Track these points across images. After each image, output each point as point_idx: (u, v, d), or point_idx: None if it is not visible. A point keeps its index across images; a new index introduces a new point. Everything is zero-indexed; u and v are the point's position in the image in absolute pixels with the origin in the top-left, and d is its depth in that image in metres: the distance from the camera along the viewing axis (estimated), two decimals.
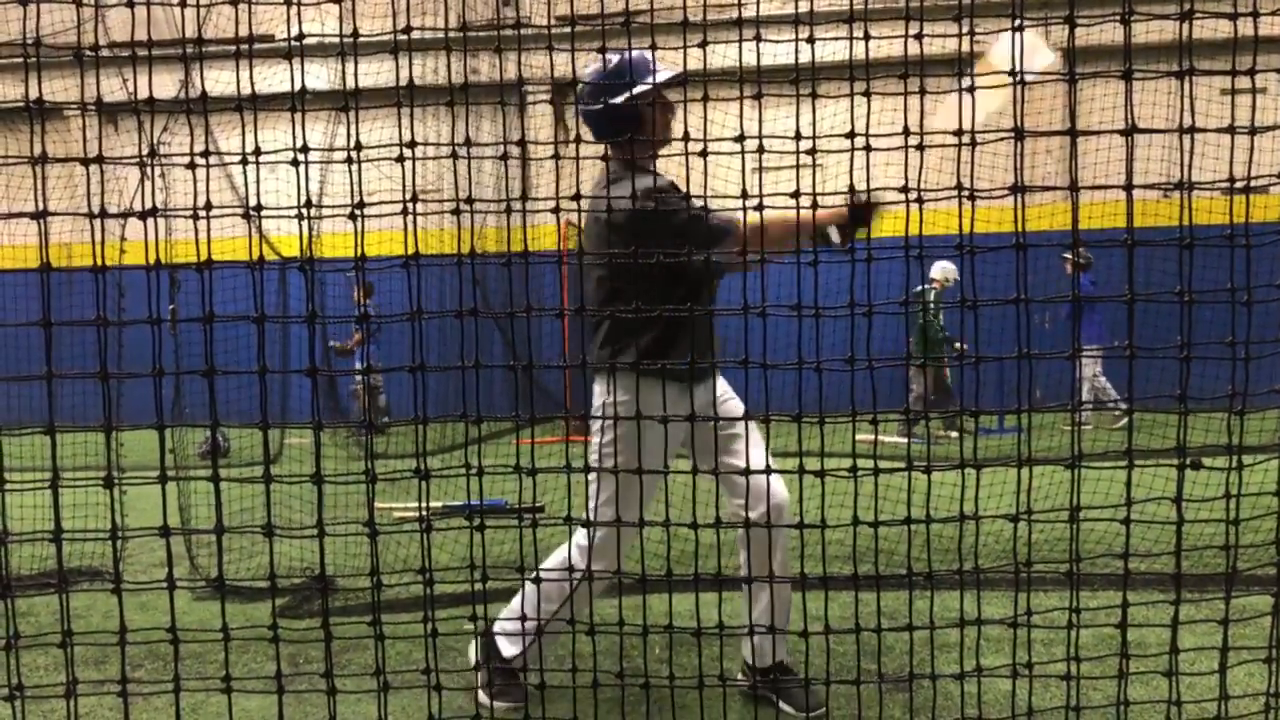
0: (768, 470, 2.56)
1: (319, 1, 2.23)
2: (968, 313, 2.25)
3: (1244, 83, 2.21)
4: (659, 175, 3.17)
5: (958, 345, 10.67)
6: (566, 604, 3.05)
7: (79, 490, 2.29)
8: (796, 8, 2.18)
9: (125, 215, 2.13)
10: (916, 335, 10.84)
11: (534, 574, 2.58)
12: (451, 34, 2.31)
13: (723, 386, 3.35)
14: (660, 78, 3.07)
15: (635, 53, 3.09)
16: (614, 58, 3.12)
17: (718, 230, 3.03)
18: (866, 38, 2.20)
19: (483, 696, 3.15)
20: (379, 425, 11.50)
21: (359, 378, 12.09)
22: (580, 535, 3.12)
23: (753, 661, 3.28)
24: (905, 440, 10.02)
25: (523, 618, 3.06)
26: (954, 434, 10.66)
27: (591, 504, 2.99)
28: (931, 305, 10.62)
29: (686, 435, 3.15)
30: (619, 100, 3.07)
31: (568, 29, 2.37)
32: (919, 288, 10.78)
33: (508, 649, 3.21)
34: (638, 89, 3.05)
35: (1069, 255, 11.39)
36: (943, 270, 11.07)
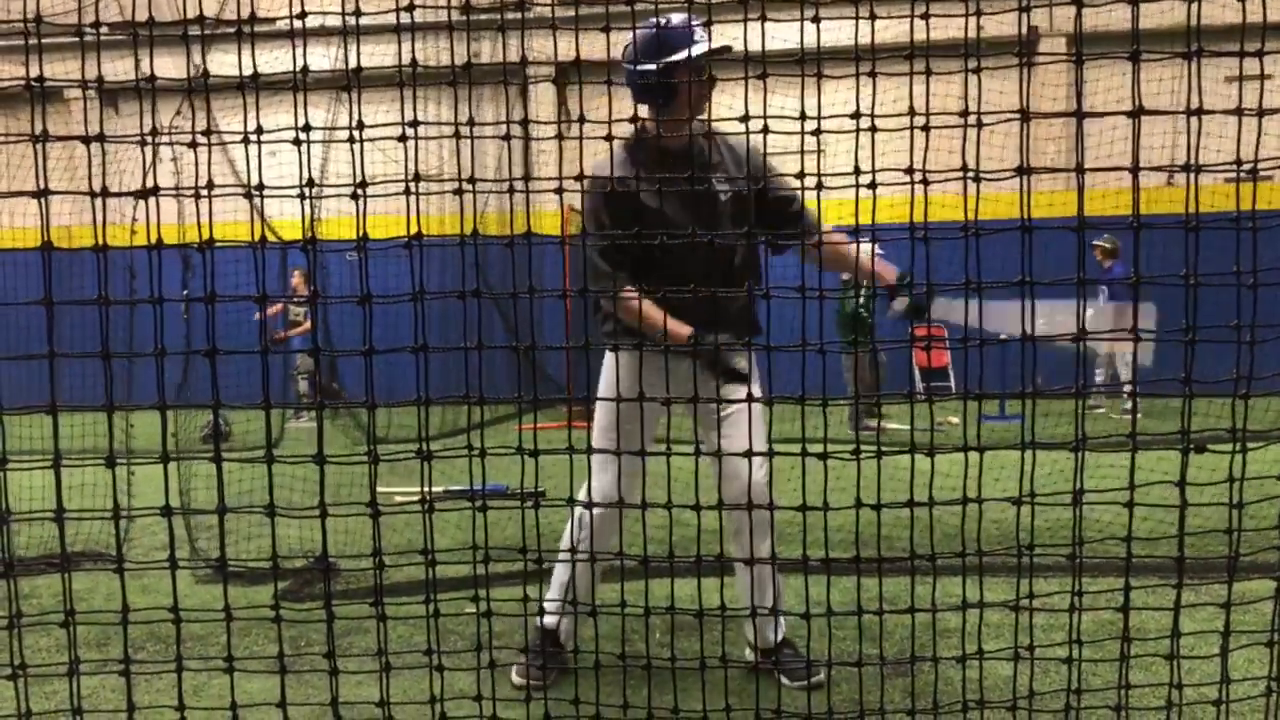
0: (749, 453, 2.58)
1: None
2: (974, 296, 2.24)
3: (1251, 68, 2.20)
4: (633, 157, 3.16)
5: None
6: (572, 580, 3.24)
7: (84, 471, 2.29)
8: None
9: (126, 195, 2.12)
10: (844, 323, 10.44)
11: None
12: (454, 13, 2.29)
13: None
14: (696, 50, 3.00)
15: (678, 19, 3.04)
16: (660, 21, 3.04)
17: (592, 262, 3.13)
18: (873, 17, 2.18)
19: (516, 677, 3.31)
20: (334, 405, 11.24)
21: (300, 362, 12.10)
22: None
23: (755, 642, 3.34)
24: (869, 430, 9.79)
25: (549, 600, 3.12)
26: (872, 423, 10.25)
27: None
28: (864, 290, 9.91)
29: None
30: (649, 68, 3.01)
31: (571, 10, 2.35)
32: (847, 275, 10.27)
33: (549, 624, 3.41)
34: (670, 58, 2.98)
35: (1097, 243, 11.27)
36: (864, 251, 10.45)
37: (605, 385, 3.30)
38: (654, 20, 3.03)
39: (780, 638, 3.36)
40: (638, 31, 3.03)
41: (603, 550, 3.06)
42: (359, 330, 2.22)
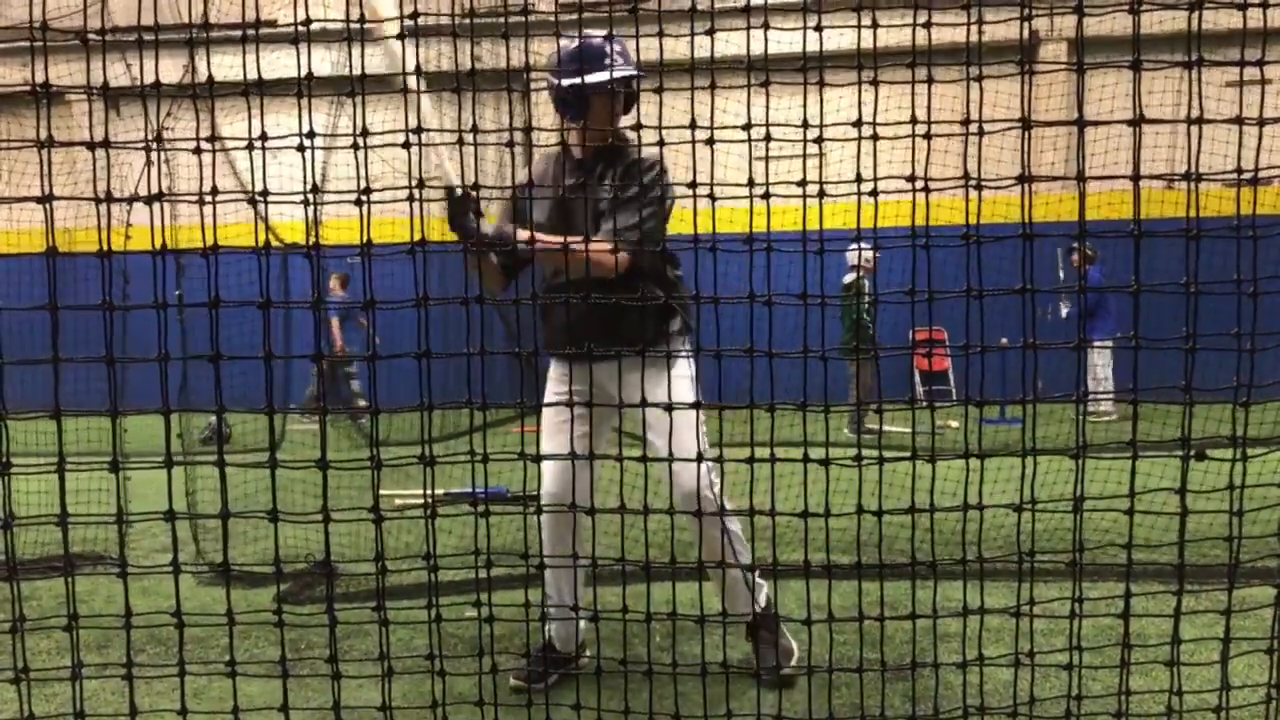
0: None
1: None
2: (974, 303, 2.24)
3: (1251, 75, 2.20)
4: (551, 165, 3.36)
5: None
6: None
7: (84, 476, 2.29)
8: None
9: (131, 200, 2.13)
10: (849, 327, 10.33)
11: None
12: (457, 20, 2.30)
13: (680, 369, 3.33)
14: (608, 75, 3.10)
15: (597, 41, 3.14)
16: (577, 41, 3.10)
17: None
18: (875, 25, 2.19)
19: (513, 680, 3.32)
20: (356, 410, 11.22)
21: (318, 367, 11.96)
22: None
23: (749, 613, 3.38)
24: (854, 434, 9.78)
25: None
26: (874, 427, 10.16)
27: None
28: (867, 295, 9.77)
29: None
30: (565, 84, 3.14)
31: (574, 16, 2.36)
32: (848, 279, 10.21)
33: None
34: (589, 78, 3.09)
35: (1077, 248, 11.25)
36: (864, 256, 9.79)
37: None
38: (577, 39, 3.11)
39: (761, 608, 3.38)
40: (560, 45, 3.19)
41: (562, 551, 3.14)
42: (360, 333, 2.23)
